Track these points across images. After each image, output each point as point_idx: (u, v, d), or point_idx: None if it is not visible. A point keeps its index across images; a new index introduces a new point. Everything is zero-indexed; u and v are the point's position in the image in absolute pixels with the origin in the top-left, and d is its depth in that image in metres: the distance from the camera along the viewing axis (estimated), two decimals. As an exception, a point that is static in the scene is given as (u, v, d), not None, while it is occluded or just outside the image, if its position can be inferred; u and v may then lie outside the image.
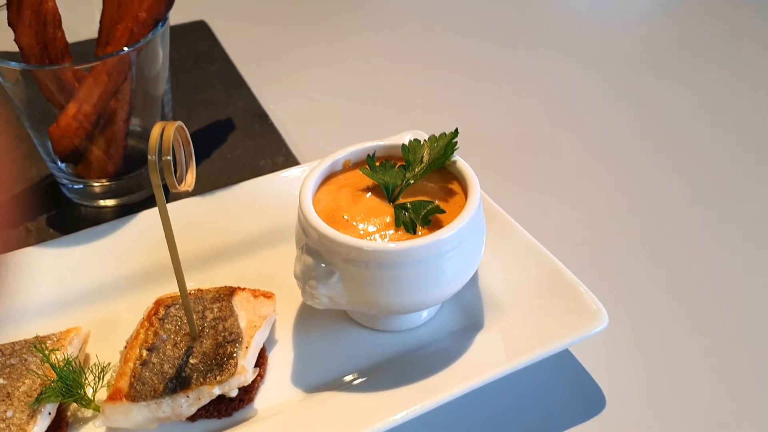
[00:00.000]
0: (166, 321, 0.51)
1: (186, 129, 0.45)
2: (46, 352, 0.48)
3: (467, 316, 0.56)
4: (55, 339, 0.52)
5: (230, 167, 0.73)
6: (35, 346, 0.49)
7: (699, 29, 1.04)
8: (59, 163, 0.69)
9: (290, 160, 0.74)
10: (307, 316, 0.57)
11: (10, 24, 0.63)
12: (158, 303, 0.53)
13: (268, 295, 0.55)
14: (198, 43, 0.92)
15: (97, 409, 0.49)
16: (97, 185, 0.69)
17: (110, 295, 0.58)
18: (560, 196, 0.73)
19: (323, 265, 0.50)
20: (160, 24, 0.62)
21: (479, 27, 1.05)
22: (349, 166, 0.56)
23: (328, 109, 0.86)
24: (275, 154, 0.75)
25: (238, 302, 0.53)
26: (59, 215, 0.68)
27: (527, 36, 1.03)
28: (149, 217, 0.63)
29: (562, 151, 0.80)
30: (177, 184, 0.44)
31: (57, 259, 0.59)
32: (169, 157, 0.42)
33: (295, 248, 0.56)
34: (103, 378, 0.50)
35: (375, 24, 1.05)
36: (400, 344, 0.55)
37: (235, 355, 0.49)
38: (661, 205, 0.72)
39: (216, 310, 0.52)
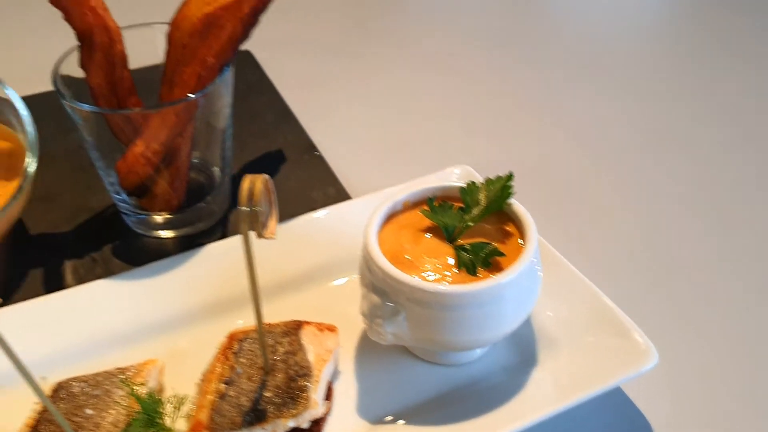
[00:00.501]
0: (240, 355, 0.54)
1: (271, 180, 0.48)
2: (130, 383, 0.52)
3: (520, 352, 0.59)
4: (134, 371, 0.55)
5: (285, 199, 0.76)
6: (122, 381, 0.52)
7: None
8: (123, 194, 0.72)
9: (341, 192, 0.77)
10: (365, 348, 0.60)
11: (81, 66, 0.67)
12: (232, 337, 0.56)
13: (331, 329, 0.58)
14: (245, 75, 0.95)
15: (177, 440, 0.53)
16: (158, 217, 0.72)
17: (179, 327, 0.61)
18: (604, 228, 0.76)
19: (389, 304, 0.53)
20: (227, 68, 0.65)
21: (525, 60, 1.07)
22: (408, 206, 0.59)
23: (372, 139, 0.89)
24: (326, 186, 0.78)
25: (305, 336, 0.56)
26: (123, 245, 0.71)
27: (568, 68, 1.06)
28: (215, 251, 0.66)
29: (602, 184, 0.83)
30: (263, 232, 0.47)
31: (130, 290, 0.62)
32: (260, 208, 0.45)
33: (349, 280, 0.60)
34: (180, 409, 0.53)
35: (419, 56, 1.08)
36: (457, 378, 0.58)
37: (307, 388, 0.52)
38: (708, 240, 0.75)
39: (286, 344, 0.55)
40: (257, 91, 0.93)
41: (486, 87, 1.01)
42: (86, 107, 0.64)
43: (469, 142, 0.89)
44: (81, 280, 0.67)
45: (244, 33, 0.64)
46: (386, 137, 0.90)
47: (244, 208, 0.45)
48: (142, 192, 0.70)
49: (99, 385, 0.53)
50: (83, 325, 0.60)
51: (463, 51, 1.10)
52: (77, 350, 0.59)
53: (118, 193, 0.72)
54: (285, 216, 0.74)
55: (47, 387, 0.54)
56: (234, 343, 0.55)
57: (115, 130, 0.69)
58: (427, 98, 0.98)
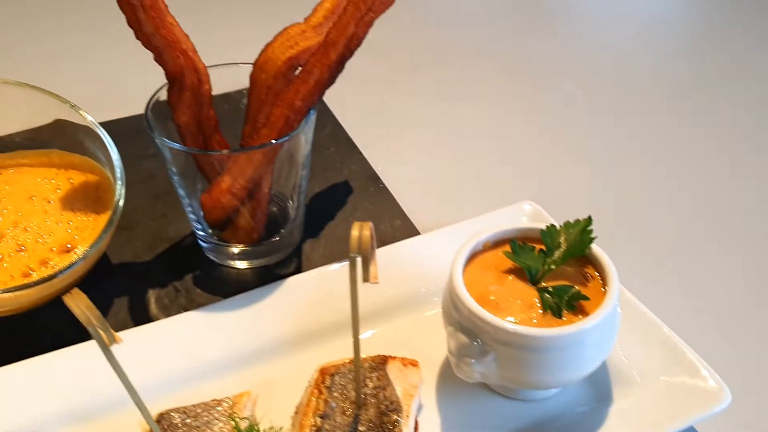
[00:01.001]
0: (332, 389, 0.57)
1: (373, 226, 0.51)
2: (232, 415, 0.54)
3: (594, 389, 0.62)
4: (230, 402, 0.57)
5: (354, 232, 0.79)
6: (229, 414, 0.55)
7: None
8: (203, 225, 0.75)
9: (407, 224, 0.80)
10: (445, 382, 0.63)
11: (169, 104, 0.70)
12: (323, 371, 0.59)
13: (414, 364, 0.61)
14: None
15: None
16: (235, 248, 0.75)
17: (267, 359, 0.64)
18: (673, 267, 0.79)
19: (479, 344, 0.55)
20: (312, 111, 0.68)
21: (593, 95, 1.10)
22: (488, 247, 0.62)
23: (434, 172, 0.92)
24: (393, 218, 0.81)
25: (391, 371, 0.59)
26: (203, 275, 0.74)
27: (644, 103, 1.08)
28: (297, 283, 0.68)
29: (669, 223, 0.85)
30: (369, 277, 0.49)
31: (219, 321, 0.65)
32: (368, 255, 0.47)
33: (425, 315, 0.63)
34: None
35: (480, 88, 1.11)
36: (534, 414, 0.61)
37: (398, 423, 0.55)
38: None
39: (375, 378, 0.58)
40: (320, 122, 0.96)
41: (550, 120, 1.04)
42: (178, 146, 0.67)
43: (532, 177, 0.92)
44: (165, 309, 0.70)
45: (331, 79, 0.67)
46: (448, 170, 0.93)
47: (354, 254, 0.48)
48: (225, 225, 0.73)
49: (198, 416, 0.56)
50: (175, 356, 0.63)
51: (527, 84, 1.12)
52: (170, 380, 0.61)
53: (198, 223, 0.75)
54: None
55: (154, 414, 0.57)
56: (326, 377, 0.58)
57: (200, 165, 0.72)
58: (489, 131, 1.01)
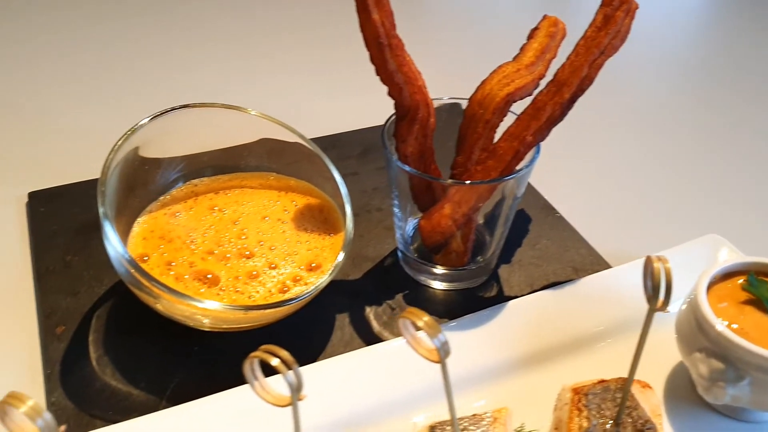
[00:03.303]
0: (590, 408, 0.61)
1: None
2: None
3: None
4: (492, 417, 0.62)
5: (546, 257, 0.84)
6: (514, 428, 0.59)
7: None
8: (410, 246, 0.80)
9: (592, 253, 0.84)
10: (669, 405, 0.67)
11: (397, 135, 0.75)
12: (577, 391, 0.63)
13: (648, 386, 0.65)
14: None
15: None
16: (439, 270, 0.79)
17: (503, 378, 0.68)
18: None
19: (733, 370, 0.60)
20: (539, 146, 0.73)
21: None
22: (718, 279, 0.66)
23: (608, 200, 0.97)
24: (578, 246, 0.85)
25: (635, 392, 0.63)
26: (412, 295, 0.79)
27: None
28: (520, 305, 0.73)
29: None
30: (663, 306, 0.54)
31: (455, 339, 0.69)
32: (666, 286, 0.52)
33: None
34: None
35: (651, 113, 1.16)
36: (762, 434, 0.65)
37: (657, 442, 0.59)
38: None
39: (622, 399, 0.62)
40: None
41: (731, 148, 1.09)
42: (414, 171, 0.72)
43: (703, 207, 0.97)
44: (387, 326, 0.75)
45: (561, 116, 0.71)
46: (626, 198, 0.98)
47: (657, 284, 0.52)
48: (440, 248, 0.77)
49: (467, 429, 0.60)
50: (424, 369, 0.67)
51: (702, 109, 1.18)
52: (421, 394, 0.65)
53: (407, 244, 0.80)
54: (548, 273, 0.82)
55: (419, 429, 0.61)
56: (581, 396, 0.62)
57: (415, 192, 0.77)
58: (657, 158, 1.07)
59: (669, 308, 0.54)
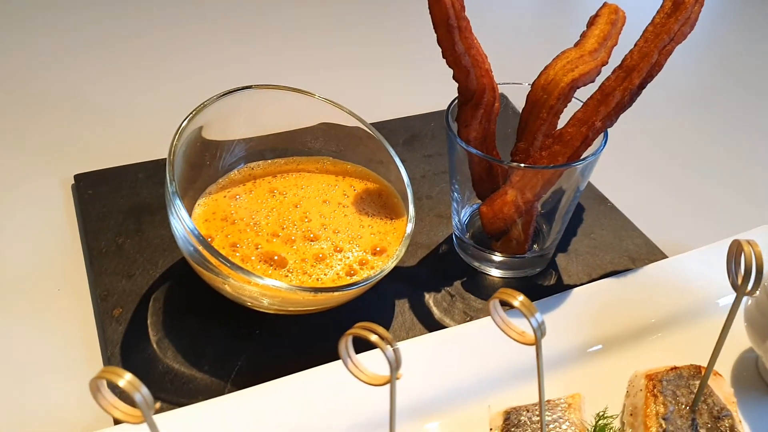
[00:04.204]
0: (665, 394, 0.61)
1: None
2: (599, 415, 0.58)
3: None
4: (566, 402, 0.61)
5: (603, 246, 0.83)
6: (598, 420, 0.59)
7: None
8: (466, 233, 0.80)
9: (648, 242, 0.84)
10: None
11: (457, 119, 0.74)
12: (651, 378, 0.62)
13: (719, 374, 0.65)
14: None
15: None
16: (497, 257, 0.79)
17: (567, 363, 0.68)
18: None
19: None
20: (607, 132, 0.72)
21: None
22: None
23: (658, 188, 0.97)
24: (633, 237, 0.85)
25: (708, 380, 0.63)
26: (470, 282, 0.78)
27: None
28: (583, 292, 0.72)
29: None
30: (753, 290, 0.53)
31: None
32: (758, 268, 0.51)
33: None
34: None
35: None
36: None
37: (736, 428, 0.58)
38: None
39: (698, 386, 0.62)
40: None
41: None
42: (480, 154, 0.71)
43: (755, 198, 0.96)
44: (447, 312, 0.74)
45: (630, 102, 0.71)
46: (677, 189, 0.98)
47: (737, 276, 0.52)
48: (502, 235, 0.77)
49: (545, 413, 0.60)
50: (489, 357, 0.66)
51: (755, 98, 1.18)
52: (495, 379, 0.65)
53: (462, 230, 0.79)
54: (605, 263, 0.81)
55: (495, 413, 0.61)
56: (656, 383, 0.62)
57: (475, 177, 0.76)
58: (706, 149, 1.07)
59: (757, 292, 0.53)
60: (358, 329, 0.46)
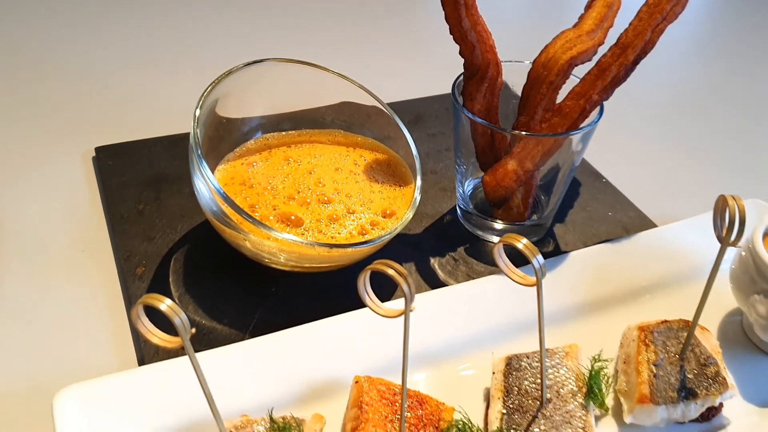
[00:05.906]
0: (656, 344, 0.65)
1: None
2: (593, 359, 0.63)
3: None
4: (563, 351, 0.66)
5: (597, 218, 0.88)
6: (594, 362, 0.63)
7: None
8: (470, 202, 0.84)
9: (640, 215, 0.89)
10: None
11: (467, 93, 0.79)
12: (643, 329, 0.67)
13: (706, 329, 0.69)
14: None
15: (606, 409, 0.64)
16: (498, 225, 0.83)
17: (566, 318, 0.72)
18: None
19: (792, 309, 0.64)
20: (602, 105, 0.77)
21: None
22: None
23: (649, 165, 1.02)
24: (626, 210, 0.89)
25: (696, 333, 0.67)
26: (473, 248, 0.83)
27: None
28: (578, 257, 0.77)
29: None
30: (736, 242, 0.58)
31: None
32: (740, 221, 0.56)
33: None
34: (610, 387, 0.64)
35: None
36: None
37: (720, 373, 0.63)
38: None
39: (686, 337, 0.66)
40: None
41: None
42: (484, 123, 0.76)
43: (742, 173, 1.01)
44: (452, 274, 0.79)
45: (625, 77, 0.76)
46: (666, 165, 1.03)
47: (732, 219, 0.56)
48: (502, 203, 0.81)
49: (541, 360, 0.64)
50: (493, 311, 0.71)
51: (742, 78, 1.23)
52: (496, 333, 0.69)
53: (466, 200, 0.84)
54: (600, 232, 0.86)
55: (497, 359, 0.65)
56: (648, 334, 0.66)
57: (479, 148, 0.81)
58: (694, 127, 1.13)
59: (740, 244, 0.58)
60: (377, 264, 0.50)
